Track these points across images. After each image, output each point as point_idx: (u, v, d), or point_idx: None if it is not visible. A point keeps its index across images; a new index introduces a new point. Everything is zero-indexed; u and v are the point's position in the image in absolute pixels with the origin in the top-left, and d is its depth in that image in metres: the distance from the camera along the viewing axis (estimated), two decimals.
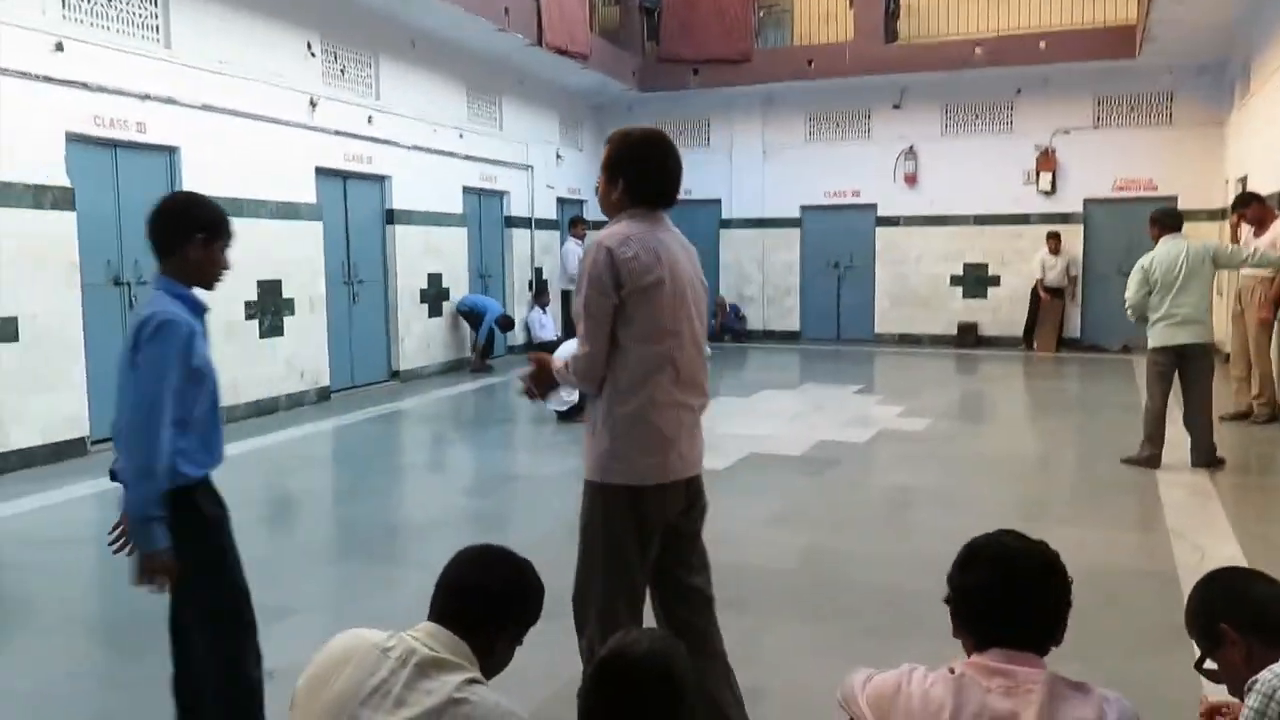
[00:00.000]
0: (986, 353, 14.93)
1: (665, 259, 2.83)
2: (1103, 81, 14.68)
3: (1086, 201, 15.10)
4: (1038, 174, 15.21)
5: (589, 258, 2.79)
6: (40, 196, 7.53)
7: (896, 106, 15.92)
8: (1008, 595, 1.96)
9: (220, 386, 2.89)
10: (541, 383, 3.11)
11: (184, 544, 2.70)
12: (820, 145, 16.57)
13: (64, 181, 7.71)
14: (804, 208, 16.73)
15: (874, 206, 16.25)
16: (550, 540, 5.74)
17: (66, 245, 7.73)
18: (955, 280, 15.88)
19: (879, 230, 16.27)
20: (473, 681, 1.88)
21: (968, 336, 15.55)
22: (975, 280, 15.76)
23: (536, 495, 6.92)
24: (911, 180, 15.97)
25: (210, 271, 2.83)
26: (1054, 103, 15.07)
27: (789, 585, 4.91)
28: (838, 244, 16.56)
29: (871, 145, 16.21)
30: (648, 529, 2.90)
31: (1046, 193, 15.16)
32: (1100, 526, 5.82)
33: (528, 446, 8.93)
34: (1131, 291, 7.02)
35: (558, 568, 5.16)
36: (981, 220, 15.65)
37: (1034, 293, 14.89)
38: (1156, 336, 6.97)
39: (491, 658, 2.01)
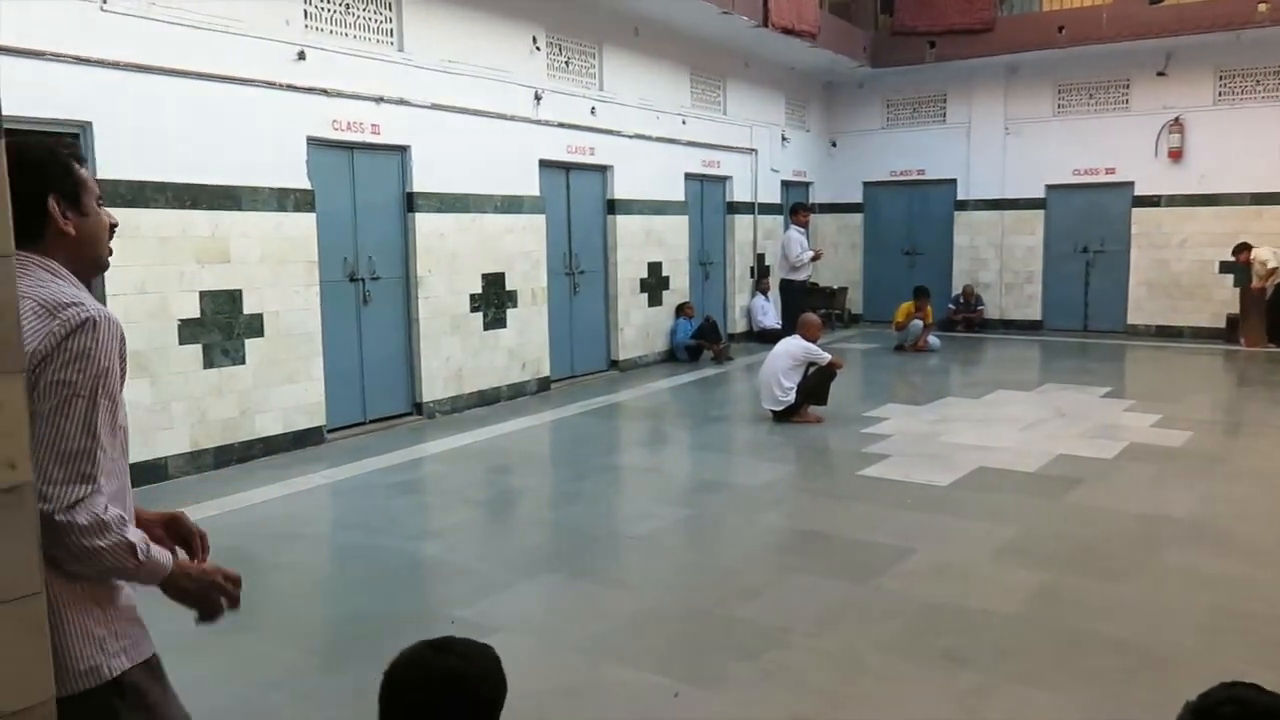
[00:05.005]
0: (1264, 350, 13.28)
1: None
2: None
3: None
4: None
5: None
6: (284, 199, 7.96)
7: (1161, 74, 14.40)
8: None
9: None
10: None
11: None
12: (1069, 119, 15.26)
13: (305, 184, 8.12)
14: (1049, 187, 15.50)
15: (1130, 185, 14.83)
16: (752, 562, 5.50)
17: (307, 245, 8.15)
18: (1226, 267, 14.22)
19: (1135, 211, 14.84)
20: None
21: (1239, 330, 13.90)
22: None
23: (745, 506, 6.65)
24: (1176, 155, 14.42)
25: None
26: None
27: (1017, 636, 4.40)
28: (1087, 226, 15.26)
29: (1129, 117, 14.77)
30: None
31: None
32: None
33: (742, 448, 8.67)
34: None
35: (760, 591, 4.93)
36: (1260, 199, 13.92)
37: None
38: None
39: None
